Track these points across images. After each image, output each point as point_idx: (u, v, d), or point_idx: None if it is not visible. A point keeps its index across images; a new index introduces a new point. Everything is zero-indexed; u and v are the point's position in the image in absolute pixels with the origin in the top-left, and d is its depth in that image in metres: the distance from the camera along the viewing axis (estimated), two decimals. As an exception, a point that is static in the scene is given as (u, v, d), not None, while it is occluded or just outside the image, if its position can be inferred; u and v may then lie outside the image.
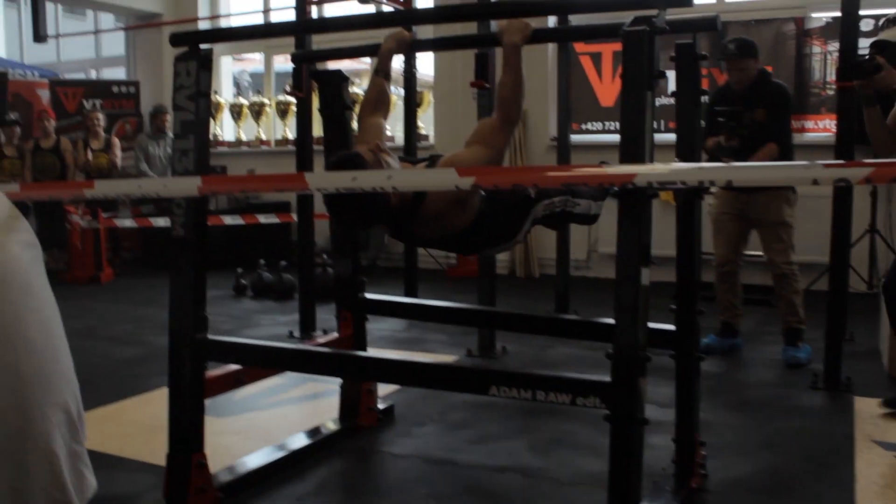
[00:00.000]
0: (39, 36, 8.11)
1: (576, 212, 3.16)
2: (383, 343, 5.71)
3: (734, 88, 5.15)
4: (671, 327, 3.13)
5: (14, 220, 1.13)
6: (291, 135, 10.01)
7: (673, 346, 3.13)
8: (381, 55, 3.17)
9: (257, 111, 10.53)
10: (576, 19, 5.45)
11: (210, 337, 2.95)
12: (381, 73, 3.18)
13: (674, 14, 2.53)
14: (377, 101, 3.16)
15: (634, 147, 2.23)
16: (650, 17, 2.39)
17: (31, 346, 1.11)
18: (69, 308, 7.24)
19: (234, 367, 3.18)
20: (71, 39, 12.31)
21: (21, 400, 1.09)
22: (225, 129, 11.00)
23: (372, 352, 3.96)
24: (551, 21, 6.47)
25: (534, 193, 2.94)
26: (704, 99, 3.68)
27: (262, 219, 8.21)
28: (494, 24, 3.86)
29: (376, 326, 5.73)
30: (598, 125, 8.80)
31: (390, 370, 2.85)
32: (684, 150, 2.93)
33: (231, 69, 11.85)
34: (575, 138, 7.37)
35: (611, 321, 3.20)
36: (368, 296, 3.73)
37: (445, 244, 3.06)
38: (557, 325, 3.68)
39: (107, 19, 12.84)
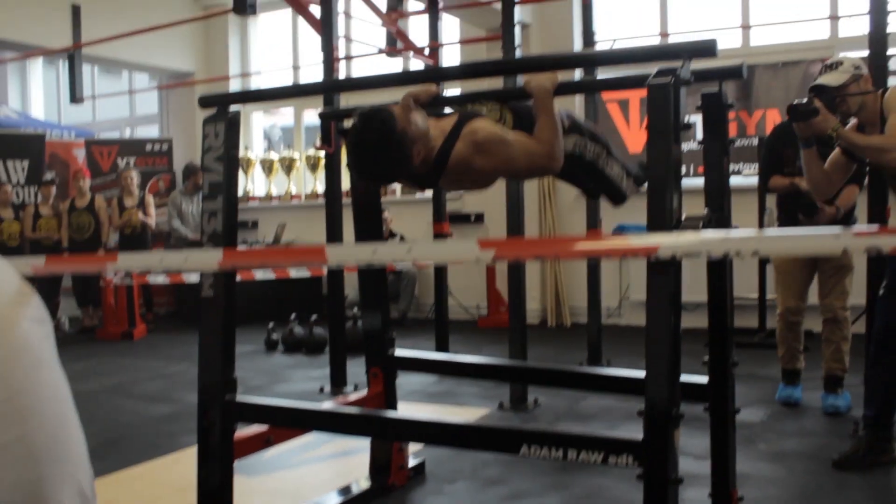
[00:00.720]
0: (76, 98, 8.30)
1: (606, 171, 3.12)
2: (415, 397, 5.66)
3: None
4: (704, 379, 3.07)
5: (24, 295, 1.12)
6: (322, 188, 10.08)
7: (707, 398, 3.06)
8: (403, 98, 3.12)
9: (288, 165, 10.63)
10: (603, 69, 5.47)
11: (239, 398, 2.93)
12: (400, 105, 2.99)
13: (699, 63, 2.52)
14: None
15: (661, 202, 2.21)
16: (675, 68, 2.38)
17: (44, 421, 1.09)
18: (102, 365, 7.30)
19: (263, 427, 3.16)
20: (106, 98, 12.55)
21: (33, 475, 1.07)
22: (256, 183, 11.10)
23: (401, 411, 3.92)
24: (578, 72, 6.52)
25: (567, 124, 2.93)
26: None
27: (294, 272, 8.24)
28: (520, 79, 3.85)
29: (407, 380, 5.69)
30: (628, 172, 8.76)
31: (419, 430, 2.81)
32: (714, 200, 2.89)
33: (262, 124, 12.01)
34: (604, 186, 7.35)
35: (642, 374, 3.16)
36: (398, 352, 3.70)
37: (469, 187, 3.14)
38: (588, 380, 3.62)
39: (141, 78, 13.11)
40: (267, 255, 2.06)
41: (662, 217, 2.27)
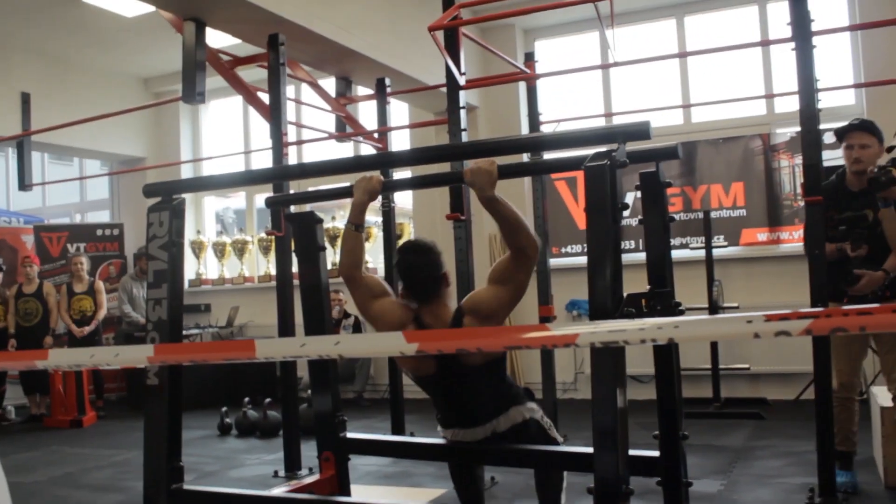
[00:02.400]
0: (24, 185, 8.25)
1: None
2: (370, 479, 5.59)
3: (849, 188, 4.61)
4: (655, 453, 3.09)
5: None
6: (274, 270, 10.06)
7: (659, 472, 3.08)
8: (353, 206, 3.23)
9: (240, 248, 10.61)
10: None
11: (186, 487, 2.89)
12: (356, 227, 3.27)
13: (638, 144, 2.61)
14: (359, 258, 3.32)
15: (601, 281, 2.26)
16: (610, 151, 2.46)
17: None
18: (49, 455, 7.12)
19: (212, 516, 3.11)
20: (56, 185, 12.49)
21: None
22: (209, 266, 11.05)
23: (354, 495, 3.88)
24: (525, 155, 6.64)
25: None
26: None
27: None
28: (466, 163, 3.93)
29: (363, 461, 5.63)
30: (578, 247, 8.89)
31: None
32: (655, 277, 2.96)
33: (215, 207, 12.00)
34: (554, 262, 7.45)
35: (589, 449, 3.18)
36: (350, 435, 3.68)
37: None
38: (542, 457, 3.62)
39: (92, 164, 13.08)
40: (196, 350, 2.05)
41: (603, 295, 2.32)
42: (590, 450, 3.29)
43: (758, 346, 7.72)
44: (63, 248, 10.60)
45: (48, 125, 7.97)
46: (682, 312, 3.19)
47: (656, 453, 3.09)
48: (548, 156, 5.34)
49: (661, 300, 2.91)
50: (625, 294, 2.54)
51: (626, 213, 2.55)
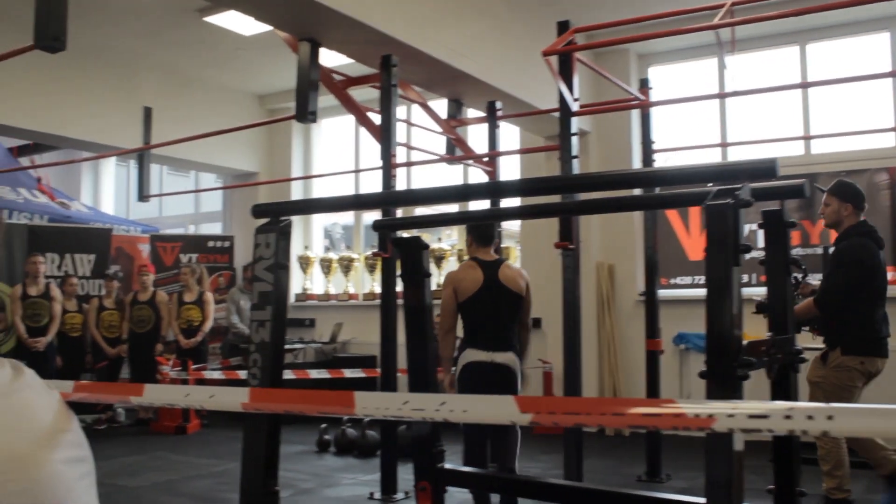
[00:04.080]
0: (143, 196, 8.53)
1: None
2: (464, 509, 5.50)
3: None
4: (769, 510, 2.92)
5: (60, 433, 1.08)
6: (379, 289, 10.10)
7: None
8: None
9: (346, 266, 10.70)
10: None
11: (281, 513, 2.86)
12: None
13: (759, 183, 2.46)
14: None
15: (720, 326, 2.12)
16: (734, 189, 2.32)
17: None
18: (153, 460, 7.28)
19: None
20: (172, 196, 12.89)
21: None
22: (315, 281, 11.18)
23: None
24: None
25: None
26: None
27: (348, 373, 8.21)
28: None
29: (457, 491, 5.54)
30: (688, 279, 8.63)
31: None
32: (777, 322, 2.79)
33: (323, 223, 12.16)
34: (663, 293, 7.23)
35: (700, 500, 3.01)
36: (448, 466, 3.60)
37: None
38: (643, 503, 3.47)
39: (207, 177, 13.46)
40: (293, 399, 2.01)
41: (721, 342, 2.18)
42: (700, 500, 3.14)
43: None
44: (176, 258, 10.90)
45: (167, 139, 8.22)
46: (802, 361, 3.01)
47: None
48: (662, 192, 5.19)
49: (781, 347, 2.74)
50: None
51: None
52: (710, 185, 2.50)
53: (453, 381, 4.70)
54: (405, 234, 5.31)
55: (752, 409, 1.19)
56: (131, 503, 5.65)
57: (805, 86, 7.02)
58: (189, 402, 1.73)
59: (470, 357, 4.59)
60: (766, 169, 2.27)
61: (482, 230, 4.69)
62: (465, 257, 9.61)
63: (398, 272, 3.92)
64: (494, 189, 4.68)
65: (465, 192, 3.60)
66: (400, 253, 3.47)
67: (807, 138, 8.13)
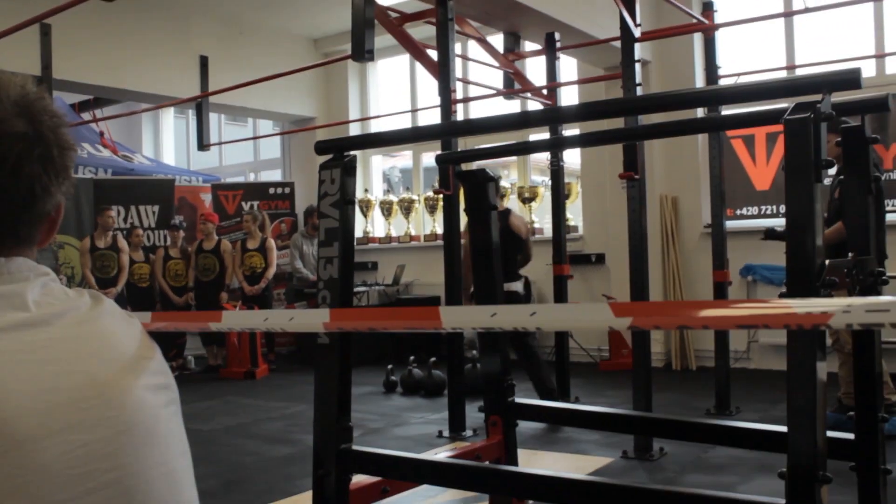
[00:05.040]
0: (203, 145, 8.59)
1: None
2: (534, 443, 5.50)
3: None
4: (849, 436, 2.83)
5: (144, 360, 1.08)
6: (440, 229, 10.10)
7: (854, 457, 2.82)
8: None
9: (407, 207, 10.69)
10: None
11: (354, 448, 2.87)
12: None
13: (838, 96, 2.34)
14: None
15: (801, 246, 2.04)
16: (813, 102, 2.21)
17: (155, 502, 1.03)
18: (224, 405, 7.43)
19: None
20: (232, 144, 12.97)
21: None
22: (376, 225, 11.21)
23: (522, 464, 3.78)
24: (700, 109, 6.31)
25: None
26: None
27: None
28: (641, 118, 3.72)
29: (526, 425, 5.54)
30: (754, 209, 8.44)
31: (541, 488, 2.67)
32: (858, 244, 2.69)
33: (381, 166, 12.15)
34: (730, 224, 7.07)
35: (777, 429, 2.95)
36: (519, 400, 3.58)
37: None
38: (719, 433, 3.40)
39: (264, 125, 13.51)
40: (376, 316, 1.97)
41: (803, 262, 2.10)
42: (773, 428, 3.08)
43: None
44: (238, 206, 11.00)
45: (224, 87, 8.23)
46: (885, 282, 2.90)
47: (851, 436, 2.84)
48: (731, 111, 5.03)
49: (863, 269, 2.64)
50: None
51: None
52: (786, 102, 2.40)
53: None
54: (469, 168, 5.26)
55: (870, 304, 1.12)
56: (206, 446, 5.78)
57: None
58: (269, 325, 1.72)
59: None
60: (849, 79, 2.15)
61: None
62: (527, 194, 9.56)
63: (461, 208, 3.88)
64: (554, 115, 4.58)
65: (525, 120, 3.52)
66: (465, 186, 3.41)
67: (879, 56, 7.80)
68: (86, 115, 10.94)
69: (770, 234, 5.11)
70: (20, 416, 0.91)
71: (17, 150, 1.00)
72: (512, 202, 9.83)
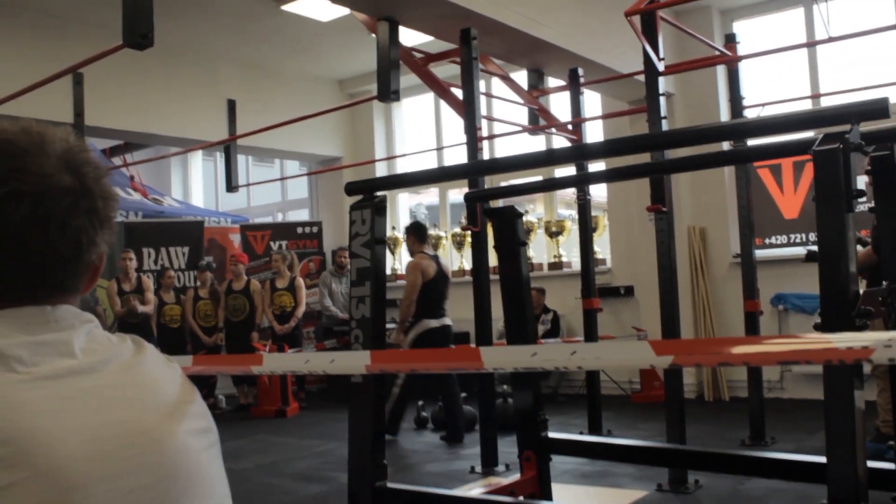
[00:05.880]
0: (231, 187, 8.69)
1: None
2: (567, 477, 5.47)
3: None
4: (892, 466, 2.81)
5: (185, 404, 1.10)
6: (468, 265, 10.11)
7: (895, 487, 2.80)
8: None
9: (434, 244, 10.72)
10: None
11: (389, 485, 2.88)
12: None
13: (866, 125, 2.36)
14: None
15: (835, 276, 2.04)
16: (842, 132, 2.23)
17: None
18: (256, 443, 7.44)
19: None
20: (259, 185, 13.11)
21: None
22: (403, 262, 11.24)
23: (556, 499, 3.78)
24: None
25: None
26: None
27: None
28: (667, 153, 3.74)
29: (559, 459, 5.52)
30: (783, 238, 8.40)
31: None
32: (891, 272, 2.68)
33: (408, 203, 12.22)
34: (759, 253, 7.05)
35: (814, 459, 2.92)
36: (552, 435, 3.58)
37: None
38: (755, 464, 3.39)
39: (292, 165, 13.66)
40: (417, 359, 1.99)
41: (838, 292, 2.10)
42: (810, 458, 3.06)
43: None
44: (266, 246, 11.09)
45: (251, 129, 8.35)
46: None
47: (891, 465, 2.82)
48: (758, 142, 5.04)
49: (897, 297, 2.63)
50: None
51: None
52: (814, 132, 2.41)
53: (402, 341, 6.92)
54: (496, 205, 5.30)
55: (912, 340, 1.13)
56: (239, 485, 5.79)
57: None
58: (310, 368, 1.74)
59: (429, 324, 7.04)
60: (877, 108, 2.17)
61: (421, 232, 7.23)
62: (554, 228, 9.57)
63: (491, 245, 3.91)
64: (580, 152, 4.60)
65: (551, 157, 3.55)
66: (494, 223, 3.44)
67: (905, 84, 7.77)
68: (116, 160, 11.13)
69: (812, 255, 5.09)
70: (70, 464, 0.93)
71: (65, 205, 1.02)
72: (539, 236, 9.87)
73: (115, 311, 9.14)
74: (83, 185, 1.05)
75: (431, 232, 10.76)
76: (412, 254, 7.56)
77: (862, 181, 4.89)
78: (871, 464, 2.55)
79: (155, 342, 9.31)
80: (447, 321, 7.22)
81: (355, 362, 1.81)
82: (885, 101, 2.17)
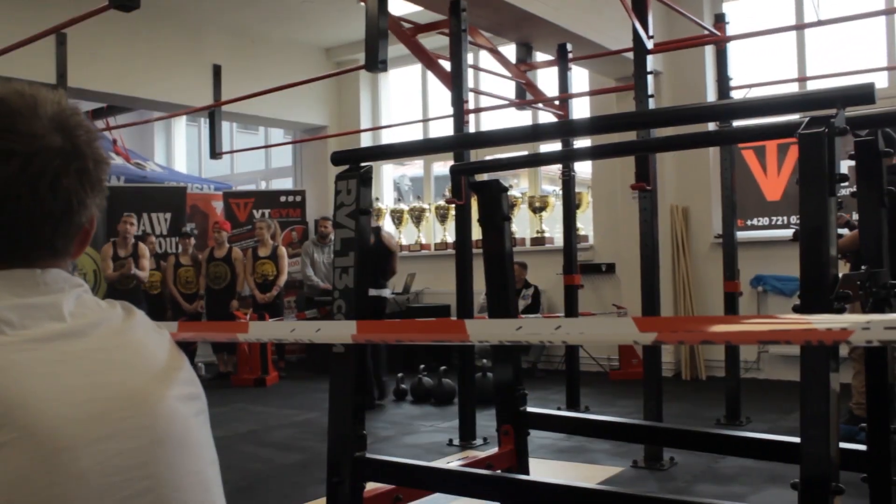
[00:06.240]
0: (215, 153, 8.64)
1: None
2: (544, 452, 5.52)
3: None
4: (861, 447, 2.85)
5: (174, 370, 1.11)
6: (451, 238, 10.12)
7: (866, 468, 2.84)
8: None
9: (417, 216, 10.73)
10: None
11: (368, 456, 2.89)
12: None
13: (851, 110, 2.37)
14: None
15: (816, 260, 2.06)
16: (827, 116, 2.24)
17: None
18: (235, 412, 7.45)
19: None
20: (243, 153, 13.03)
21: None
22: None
23: (534, 473, 3.80)
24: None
25: None
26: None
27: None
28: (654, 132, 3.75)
29: (538, 434, 5.56)
30: (765, 220, 8.44)
31: (552, 497, 2.69)
32: (872, 256, 2.70)
33: (392, 175, 12.20)
34: (740, 234, 7.09)
35: (787, 439, 2.96)
36: (531, 409, 3.60)
37: None
38: (729, 443, 3.42)
39: (276, 133, 13.58)
40: (402, 329, 1.99)
41: (817, 275, 2.12)
42: (784, 439, 3.09)
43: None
44: (249, 214, 11.05)
45: (236, 96, 8.28)
46: (897, 295, 2.91)
47: (862, 447, 2.86)
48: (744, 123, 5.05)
49: (876, 281, 2.66)
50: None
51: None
52: (800, 115, 2.42)
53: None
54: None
55: (889, 321, 1.14)
56: (218, 453, 5.77)
57: (890, 12, 6.73)
58: (296, 336, 1.74)
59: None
60: (863, 94, 2.18)
61: None
62: (537, 204, 9.59)
63: (474, 218, 3.91)
64: (566, 128, 4.60)
65: (537, 132, 3.55)
66: (479, 197, 3.44)
67: (893, 68, 7.81)
68: (99, 123, 11.01)
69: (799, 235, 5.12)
70: (58, 426, 0.93)
71: (56, 165, 1.02)
72: (522, 211, 9.88)
73: (108, 276, 9.01)
74: (74, 147, 1.05)
75: (415, 204, 10.77)
76: None
77: (845, 166, 4.93)
78: (843, 445, 2.58)
79: (146, 310, 9.27)
80: (385, 293, 7.75)
81: (341, 332, 1.81)
82: (870, 85, 2.18)
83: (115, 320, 1.09)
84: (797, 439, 2.34)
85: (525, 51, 7.17)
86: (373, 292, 7.26)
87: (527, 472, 3.57)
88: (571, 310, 6.78)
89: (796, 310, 2.24)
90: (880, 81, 8.06)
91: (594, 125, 3.87)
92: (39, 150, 1.01)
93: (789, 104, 2.55)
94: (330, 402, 2.94)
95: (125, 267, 8.93)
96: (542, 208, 9.69)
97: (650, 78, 4.86)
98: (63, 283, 1.06)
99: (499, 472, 3.37)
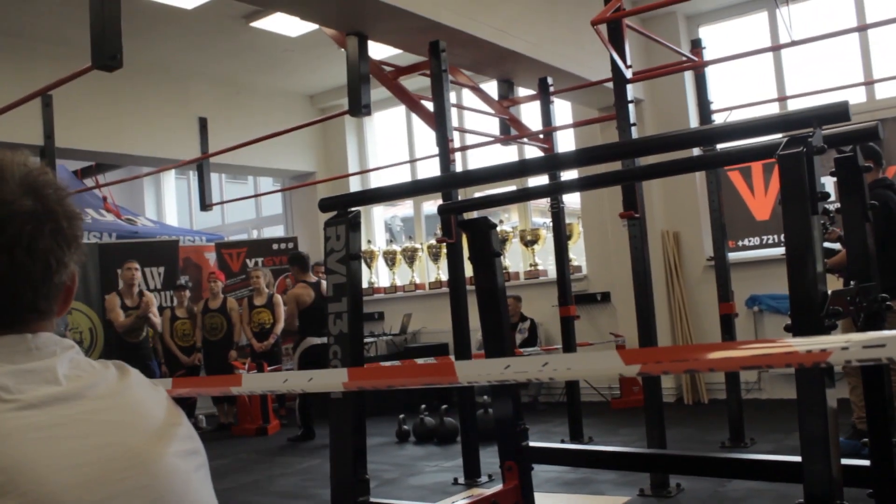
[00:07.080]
0: (205, 205, 8.66)
1: None
2: (550, 486, 5.48)
3: None
4: (865, 463, 2.85)
5: (172, 427, 1.11)
6: (445, 276, 10.13)
7: (871, 483, 2.83)
8: None
9: (410, 256, 10.75)
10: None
11: (372, 500, 2.89)
12: None
13: (829, 128, 2.40)
14: None
15: (802, 278, 2.08)
16: (805, 136, 2.27)
17: None
18: (238, 462, 7.41)
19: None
20: (233, 203, 13.07)
21: None
22: (380, 275, 11.25)
23: (540, 505, 3.79)
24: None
25: None
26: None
27: (422, 362, 8.22)
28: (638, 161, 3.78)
29: (542, 468, 5.53)
30: (756, 240, 8.48)
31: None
32: (857, 271, 2.72)
33: (383, 216, 12.24)
34: (732, 255, 7.12)
35: (793, 459, 2.96)
36: (533, 444, 3.60)
37: None
38: (734, 466, 3.42)
39: (265, 182, 13.63)
40: (393, 374, 2.00)
41: (806, 293, 2.13)
42: (788, 458, 3.09)
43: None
44: (243, 263, 11.05)
45: (223, 147, 8.32)
46: (889, 308, 2.93)
47: (867, 462, 2.85)
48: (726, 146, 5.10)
49: (866, 296, 2.68)
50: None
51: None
52: (779, 136, 2.45)
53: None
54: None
55: (867, 340, 1.15)
56: (222, 505, 5.75)
57: (864, 28, 6.82)
58: (288, 387, 1.75)
59: (311, 341, 8.15)
60: (837, 112, 2.21)
61: (302, 262, 8.45)
62: (529, 237, 9.62)
63: (466, 256, 3.93)
64: (552, 162, 4.64)
65: (524, 168, 3.58)
66: (468, 234, 3.46)
67: (869, 83, 7.90)
68: (88, 182, 11.05)
69: None
70: (59, 490, 0.94)
71: (29, 229, 1.02)
72: (514, 245, 9.93)
73: (120, 324, 8.75)
74: (45, 207, 1.05)
75: (407, 244, 10.79)
76: (294, 283, 8.58)
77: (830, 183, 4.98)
78: (846, 461, 2.59)
79: (157, 363, 9.23)
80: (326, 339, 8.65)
81: (333, 380, 1.82)
82: (844, 104, 2.22)
83: (110, 380, 1.10)
84: (800, 458, 2.34)
85: (507, 87, 7.24)
86: (317, 340, 8.06)
87: (533, 507, 3.56)
88: (568, 341, 6.77)
89: (788, 329, 2.26)
90: (858, 96, 8.15)
91: (579, 158, 3.91)
92: (11, 215, 1.01)
93: (768, 126, 2.58)
94: (331, 447, 2.93)
95: (140, 308, 8.78)
96: (534, 241, 9.72)
97: (631, 107, 4.91)
98: (55, 346, 1.07)
99: (504, 508, 3.36)
